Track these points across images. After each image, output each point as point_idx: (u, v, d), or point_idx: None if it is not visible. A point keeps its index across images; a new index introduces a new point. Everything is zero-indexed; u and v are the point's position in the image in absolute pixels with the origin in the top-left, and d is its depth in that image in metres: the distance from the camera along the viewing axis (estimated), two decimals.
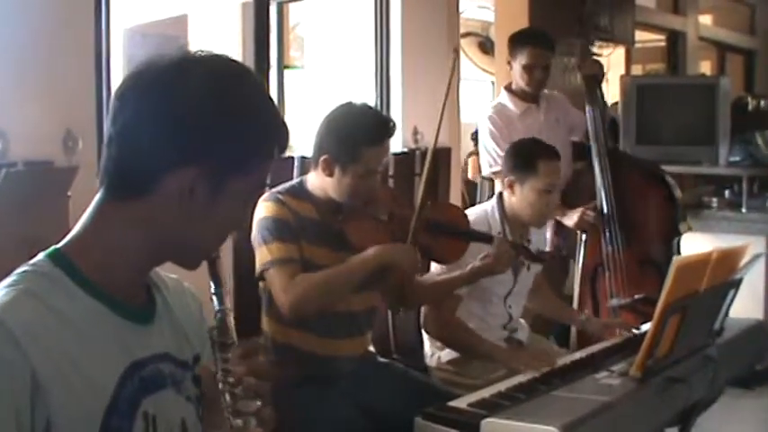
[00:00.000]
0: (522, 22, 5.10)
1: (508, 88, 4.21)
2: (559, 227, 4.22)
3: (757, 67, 8.84)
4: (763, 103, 6.12)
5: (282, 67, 3.83)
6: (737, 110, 5.71)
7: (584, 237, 4.10)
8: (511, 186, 3.07)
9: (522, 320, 3.32)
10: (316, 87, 4.76)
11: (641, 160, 4.83)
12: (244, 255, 2.67)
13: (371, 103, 2.99)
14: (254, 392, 1.26)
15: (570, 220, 4.02)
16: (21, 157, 2.50)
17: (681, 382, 2.37)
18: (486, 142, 4.09)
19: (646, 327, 2.65)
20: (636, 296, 4.06)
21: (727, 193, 5.51)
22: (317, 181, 2.65)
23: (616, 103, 5.90)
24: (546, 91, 4.25)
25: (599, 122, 4.25)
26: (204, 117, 1.25)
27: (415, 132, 4.22)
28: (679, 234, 4.32)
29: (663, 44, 7.83)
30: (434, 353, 3.14)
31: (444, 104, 2.79)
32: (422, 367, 3.10)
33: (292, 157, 3.36)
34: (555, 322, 3.79)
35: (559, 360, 2.71)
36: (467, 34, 6.58)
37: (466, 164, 6.41)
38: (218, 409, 1.28)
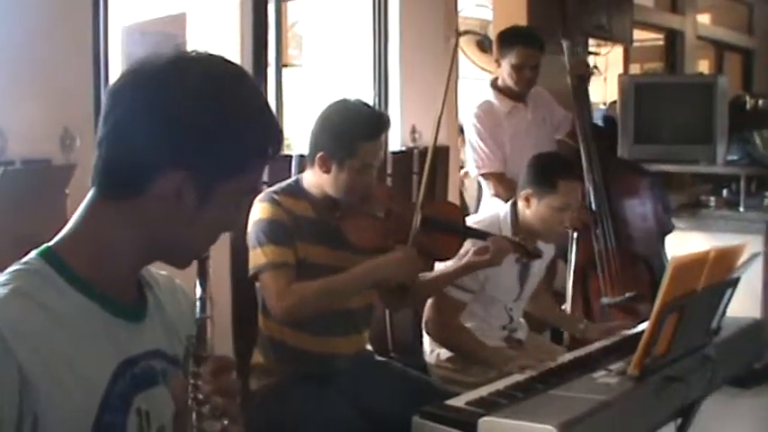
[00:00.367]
0: (520, 21, 5.10)
1: (495, 86, 4.17)
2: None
3: (755, 67, 8.84)
4: (761, 102, 6.12)
5: (281, 65, 3.82)
6: (735, 109, 5.71)
7: (575, 235, 4.10)
8: (527, 199, 3.05)
9: (521, 320, 3.33)
10: (314, 86, 4.76)
11: (628, 160, 4.87)
12: (241, 254, 2.67)
13: (370, 102, 2.99)
14: (220, 412, 1.24)
15: None
16: (18, 156, 2.49)
17: (678, 381, 2.37)
18: (473, 141, 4.06)
19: (643, 326, 2.65)
20: (627, 294, 4.08)
21: (724, 192, 5.52)
22: (313, 179, 2.65)
23: (614, 102, 5.91)
24: (532, 89, 4.23)
25: (587, 122, 4.27)
26: (200, 119, 1.24)
27: (413, 131, 4.21)
28: (669, 231, 4.35)
29: (661, 43, 7.83)
30: (434, 350, 3.15)
31: (446, 91, 2.78)
32: (419, 365, 3.11)
33: (290, 156, 3.36)
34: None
35: (557, 359, 2.72)
36: (465, 32, 6.57)
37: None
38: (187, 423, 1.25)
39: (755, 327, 3.12)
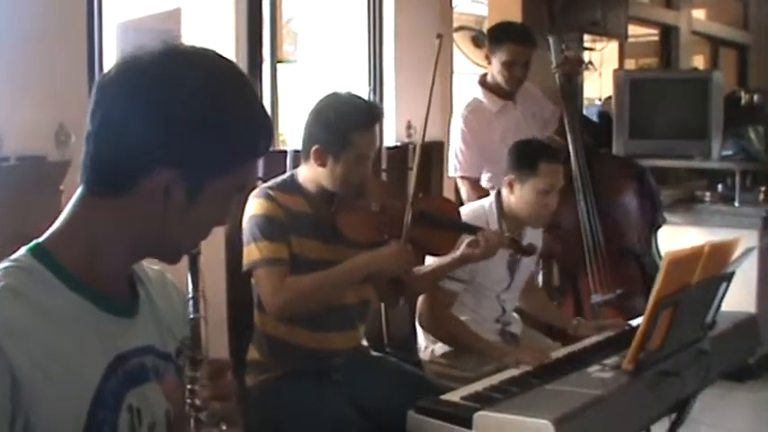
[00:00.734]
0: (515, 17, 5.09)
1: (484, 83, 4.10)
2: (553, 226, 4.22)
3: (750, 62, 8.84)
4: (756, 97, 6.12)
5: (276, 61, 3.81)
6: (730, 104, 5.71)
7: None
8: (510, 185, 3.06)
9: (515, 314, 3.33)
10: (309, 82, 4.76)
11: (618, 155, 4.88)
12: (236, 249, 2.67)
13: (365, 98, 2.99)
14: (219, 418, 1.23)
15: None
16: (13, 152, 2.49)
17: (673, 376, 2.38)
18: (455, 143, 4.03)
19: (637, 321, 2.65)
20: (618, 291, 4.08)
21: (719, 187, 5.53)
22: (308, 173, 2.65)
23: (609, 98, 5.91)
24: None
25: (576, 119, 4.27)
26: (190, 115, 1.22)
27: (409, 126, 4.21)
28: (659, 225, 4.36)
29: (656, 38, 7.82)
30: (428, 346, 3.15)
31: (431, 92, 2.79)
32: (415, 361, 3.11)
33: (285, 151, 3.36)
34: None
35: (552, 354, 2.72)
36: (460, 28, 6.57)
37: None
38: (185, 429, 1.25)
39: (750, 321, 3.13)
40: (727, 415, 4.51)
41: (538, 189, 3.01)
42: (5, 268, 1.24)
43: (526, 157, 3.06)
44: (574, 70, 4.41)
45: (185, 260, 1.35)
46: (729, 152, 5.42)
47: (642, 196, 4.33)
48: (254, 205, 2.58)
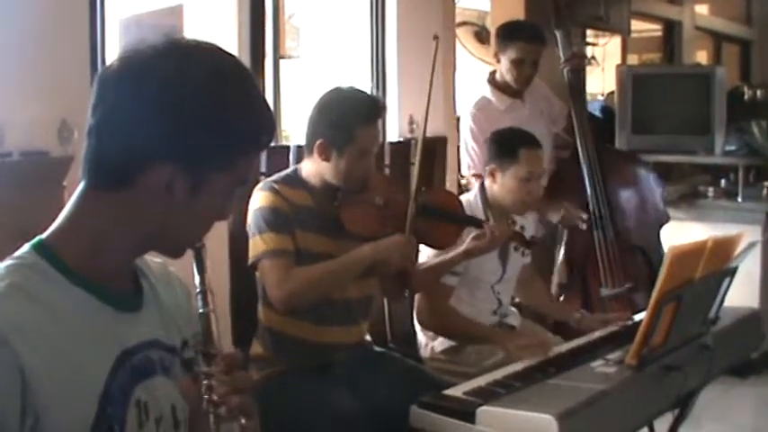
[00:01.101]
0: (517, 12, 5.08)
1: (492, 81, 4.11)
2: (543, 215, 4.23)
3: (753, 57, 8.81)
4: (759, 92, 6.12)
5: (278, 57, 3.81)
6: (733, 99, 5.70)
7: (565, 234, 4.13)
8: (492, 174, 3.08)
9: (512, 308, 3.34)
10: (311, 77, 4.76)
11: (625, 151, 4.88)
12: (240, 243, 2.68)
13: (368, 92, 2.99)
14: (238, 412, 1.24)
15: (554, 216, 4.01)
16: (16, 148, 2.49)
17: (676, 371, 2.37)
18: (467, 141, 4.03)
19: (640, 316, 2.65)
20: (626, 285, 4.09)
21: (722, 182, 5.53)
22: (312, 167, 2.66)
23: (612, 93, 5.90)
24: None
25: (583, 115, 4.27)
26: (192, 109, 1.22)
27: (411, 122, 4.20)
28: (665, 222, 4.36)
29: (659, 34, 7.80)
30: (428, 343, 3.15)
31: (430, 92, 2.80)
32: (417, 357, 3.11)
33: (288, 147, 3.36)
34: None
35: (555, 348, 2.72)
36: (463, 23, 6.56)
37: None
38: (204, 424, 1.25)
39: (753, 316, 3.12)
40: (730, 410, 4.51)
41: (519, 176, 3.03)
42: (9, 266, 1.23)
43: (506, 146, 3.08)
44: (580, 65, 4.41)
45: (187, 254, 1.35)
46: (732, 147, 5.42)
47: (651, 191, 4.34)
48: (260, 198, 2.59)
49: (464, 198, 3.21)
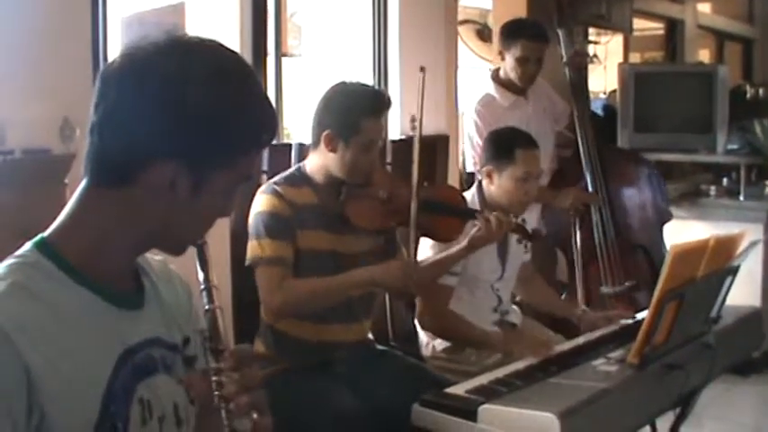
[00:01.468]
0: (520, 10, 5.08)
1: (496, 78, 4.12)
2: (545, 213, 4.23)
3: (755, 56, 8.81)
4: (761, 91, 6.12)
5: (280, 55, 3.81)
6: (736, 98, 5.71)
7: (578, 223, 4.12)
8: (489, 175, 3.08)
9: (514, 306, 3.34)
10: (314, 76, 4.76)
11: (626, 149, 4.88)
12: (242, 240, 2.68)
13: (373, 86, 3.00)
14: (249, 407, 1.23)
15: (564, 201, 4.02)
16: (18, 145, 2.49)
17: (678, 369, 2.37)
18: (472, 137, 4.03)
19: (642, 314, 2.65)
20: (627, 283, 4.09)
21: (724, 180, 5.53)
22: (317, 161, 2.67)
23: (614, 92, 5.90)
24: None
25: (585, 113, 4.27)
26: (195, 107, 1.21)
27: (413, 120, 4.20)
28: (667, 221, 4.37)
29: (661, 32, 7.80)
30: (428, 342, 3.15)
31: (421, 119, 2.79)
32: (419, 354, 3.11)
33: (290, 145, 3.36)
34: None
35: (556, 347, 2.72)
36: (465, 21, 6.56)
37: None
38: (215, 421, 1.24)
39: (755, 315, 3.12)
40: (732, 409, 4.50)
41: (516, 176, 3.02)
42: (12, 264, 1.23)
43: (502, 146, 3.08)
44: (583, 63, 4.41)
45: (188, 252, 1.35)
46: (734, 146, 5.42)
47: (652, 190, 4.35)
48: (261, 201, 2.60)
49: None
